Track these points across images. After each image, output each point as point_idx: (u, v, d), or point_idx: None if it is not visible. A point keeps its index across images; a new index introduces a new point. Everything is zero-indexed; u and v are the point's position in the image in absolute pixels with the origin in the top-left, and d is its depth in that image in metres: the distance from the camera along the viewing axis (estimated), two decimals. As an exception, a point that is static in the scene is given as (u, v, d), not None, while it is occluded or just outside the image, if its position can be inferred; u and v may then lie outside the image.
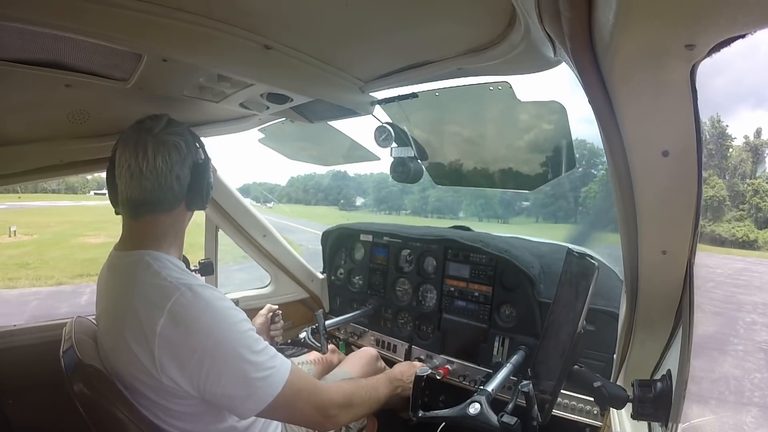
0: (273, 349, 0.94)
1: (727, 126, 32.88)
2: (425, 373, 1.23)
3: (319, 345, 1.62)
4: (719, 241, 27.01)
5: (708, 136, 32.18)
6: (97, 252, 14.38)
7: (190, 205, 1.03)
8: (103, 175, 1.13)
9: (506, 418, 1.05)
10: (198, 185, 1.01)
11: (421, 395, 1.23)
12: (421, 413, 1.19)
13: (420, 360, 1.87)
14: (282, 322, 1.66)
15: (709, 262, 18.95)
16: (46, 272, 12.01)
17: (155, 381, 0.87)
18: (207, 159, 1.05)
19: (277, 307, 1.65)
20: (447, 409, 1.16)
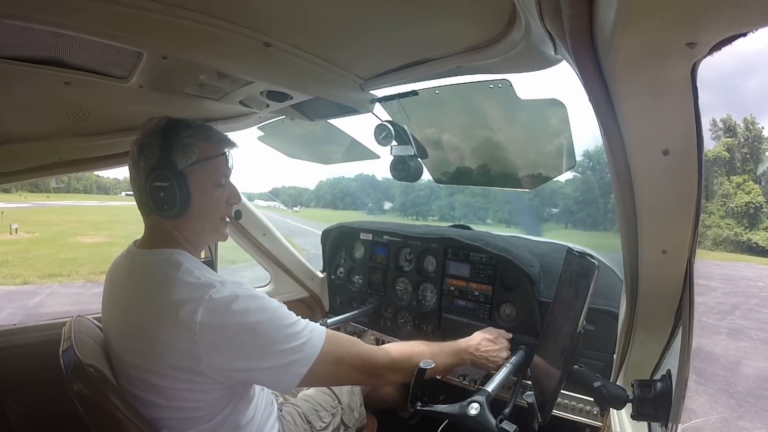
0: (305, 320, 0.99)
1: (762, 128, 31.61)
2: (429, 366, 1.23)
3: None
4: (756, 251, 26.26)
5: (742, 139, 31.37)
6: (84, 252, 14.46)
7: (159, 212, 0.99)
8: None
9: (505, 425, 1.05)
10: (148, 189, 0.98)
11: (421, 389, 1.23)
12: (419, 405, 1.19)
13: None
14: None
15: (748, 273, 16.70)
16: (20, 271, 11.76)
17: (184, 378, 0.89)
18: (162, 161, 0.97)
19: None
20: (446, 405, 1.16)
